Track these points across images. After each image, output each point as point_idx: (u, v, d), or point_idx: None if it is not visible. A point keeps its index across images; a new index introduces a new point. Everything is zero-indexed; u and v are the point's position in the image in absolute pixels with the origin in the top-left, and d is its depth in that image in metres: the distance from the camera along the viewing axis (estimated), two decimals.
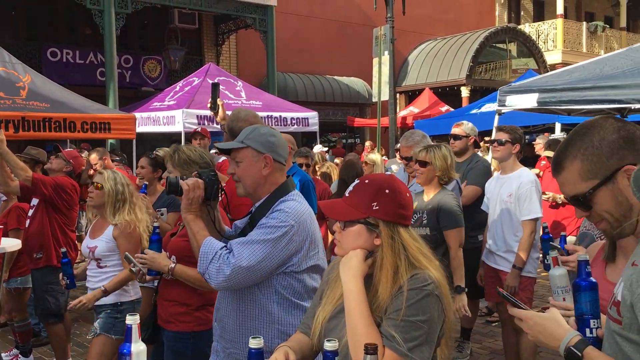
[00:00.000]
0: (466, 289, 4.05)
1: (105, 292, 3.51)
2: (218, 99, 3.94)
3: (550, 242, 4.05)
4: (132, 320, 1.58)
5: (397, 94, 18.78)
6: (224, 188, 2.55)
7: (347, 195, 1.88)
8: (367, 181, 1.87)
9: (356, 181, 1.91)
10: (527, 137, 17.40)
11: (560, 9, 22.07)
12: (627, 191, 1.51)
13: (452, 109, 15.60)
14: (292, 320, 2.33)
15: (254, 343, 1.49)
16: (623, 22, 24.79)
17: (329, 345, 1.41)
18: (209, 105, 4.09)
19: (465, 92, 18.15)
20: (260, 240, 2.23)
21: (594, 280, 1.66)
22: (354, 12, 18.99)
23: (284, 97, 14.61)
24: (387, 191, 1.80)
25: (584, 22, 23.05)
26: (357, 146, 16.71)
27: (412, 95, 19.27)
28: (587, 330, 1.62)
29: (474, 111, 12.42)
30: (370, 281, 1.79)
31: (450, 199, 4.01)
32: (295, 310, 2.34)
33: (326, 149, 13.18)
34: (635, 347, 1.41)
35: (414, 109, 16.80)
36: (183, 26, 14.88)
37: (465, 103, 17.24)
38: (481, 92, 17.95)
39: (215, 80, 5.21)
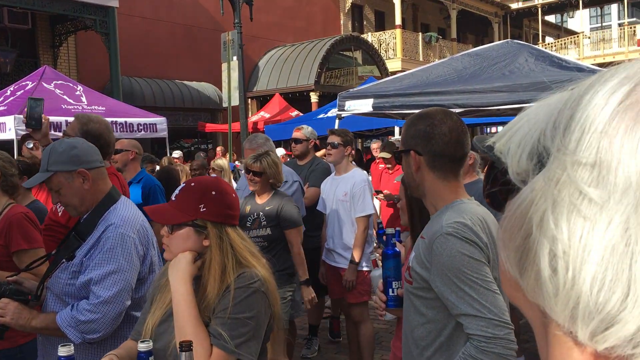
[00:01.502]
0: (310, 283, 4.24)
1: None
2: (43, 115, 3.63)
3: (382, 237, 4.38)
4: None
5: (249, 99, 18.87)
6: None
7: (173, 198, 1.90)
8: (193, 184, 1.90)
9: (182, 184, 1.93)
10: (372, 140, 18.44)
11: (398, 20, 23.55)
12: (412, 168, 1.87)
13: (302, 114, 15.99)
14: (123, 331, 2.29)
15: (63, 351, 1.46)
16: (454, 34, 27.05)
17: (142, 346, 1.42)
18: (23, 120, 3.74)
19: (314, 97, 18.71)
20: (111, 270, 2.17)
21: (397, 250, 2.06)
22: (202, 16, 18.74)
23: (130, 102, 14.01)
24: (213, 193, 1.85)
25: (420, 33, 24.82)
26: (209, 152, 16.50)
27: (263, 101, 19.45)
28: (390, 290, 2.07)
29: (321, 116, 12.83)
30: (200, 282, 1.82)
31: (287, 200, 4.14)
32: (127, 319, 2.30)
33: (178, 154, 12.89)
34: (422, 301, 1.81)
35: (265, 113, 16.97)
36: (14, 26, 13.72)
37: (314, 108, 17.75)
38: (330, 98, 18.56)
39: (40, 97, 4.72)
